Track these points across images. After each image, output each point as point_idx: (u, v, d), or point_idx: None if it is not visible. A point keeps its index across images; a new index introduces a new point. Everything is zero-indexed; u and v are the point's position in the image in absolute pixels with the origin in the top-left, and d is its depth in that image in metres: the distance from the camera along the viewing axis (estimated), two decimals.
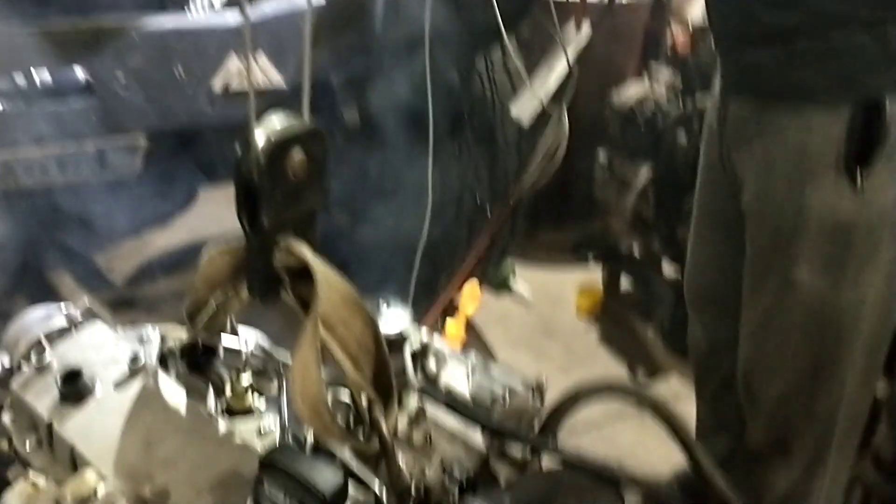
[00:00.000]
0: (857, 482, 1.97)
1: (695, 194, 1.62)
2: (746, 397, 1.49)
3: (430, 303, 1.67)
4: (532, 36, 1.78)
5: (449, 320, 1.19)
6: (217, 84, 1.65)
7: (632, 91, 2.41)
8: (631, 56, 2.62)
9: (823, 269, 1.31)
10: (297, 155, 0.79)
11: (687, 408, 1.94)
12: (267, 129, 0.78)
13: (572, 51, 1.55)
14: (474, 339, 2.50)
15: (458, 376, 1.02)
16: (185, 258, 2.26)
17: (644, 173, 2.37)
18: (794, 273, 1.33)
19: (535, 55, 1.75)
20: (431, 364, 1.03)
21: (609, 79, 2.50)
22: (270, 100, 1.59)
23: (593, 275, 2.76)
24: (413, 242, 1.65)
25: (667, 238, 2.38)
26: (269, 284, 0.83)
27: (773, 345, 1.41)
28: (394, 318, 1.18)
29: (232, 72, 1.61)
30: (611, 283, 2.69)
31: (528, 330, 2.60)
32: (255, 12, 1.65)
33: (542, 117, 1.65)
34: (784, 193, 1.31)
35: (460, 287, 1.67)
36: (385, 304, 1.19)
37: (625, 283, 2.71)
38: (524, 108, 1.58)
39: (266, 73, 1.62)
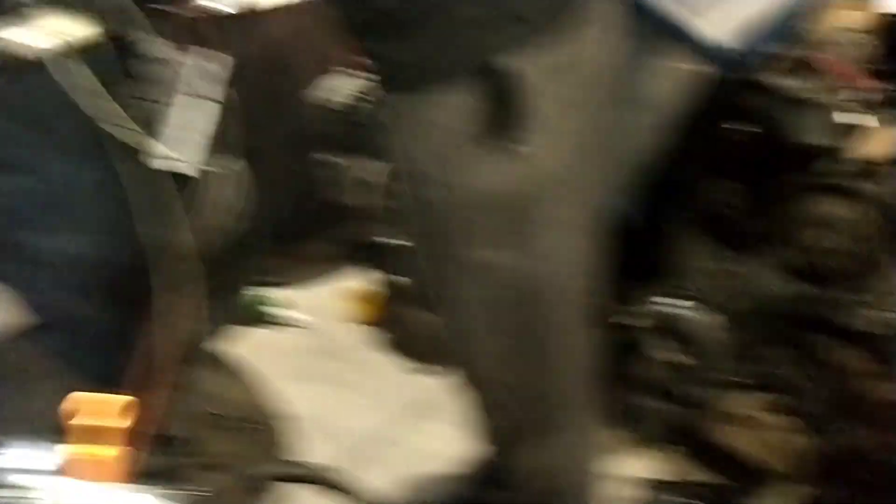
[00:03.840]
0: (642, 416, 2.00)
1: None
2: (471, 385, 1.45)
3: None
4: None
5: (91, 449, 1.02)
6: None
7: (345, 88, 2.32)
8: (326, 56, 2.51)
9: (506, 245, 1.25)
10: None
11: None
12: None
13: (217, 83, 1.40)
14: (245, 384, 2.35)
15: None
16: None
17: (382, 168, 2.29)
18: (480, 255, 1.27)
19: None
20: None
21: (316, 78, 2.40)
22: None
23: (369, 280, 2.66)
24: None
25: None
26: None
27: (480, 330, 1.35)
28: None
29: None
30: (383, 282, 2.59)
31: (308, 355, 2.47)
32: None
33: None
34: (444, 178, 1.24)
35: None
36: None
37: (400, 279, 2.62)
38: (178, 154, 1.42)
39: None
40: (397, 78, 1.23)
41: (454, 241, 1.28)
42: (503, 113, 1.16)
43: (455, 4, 1.14)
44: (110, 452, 0.95)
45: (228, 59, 1.38)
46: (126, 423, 0.98)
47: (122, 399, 1.01)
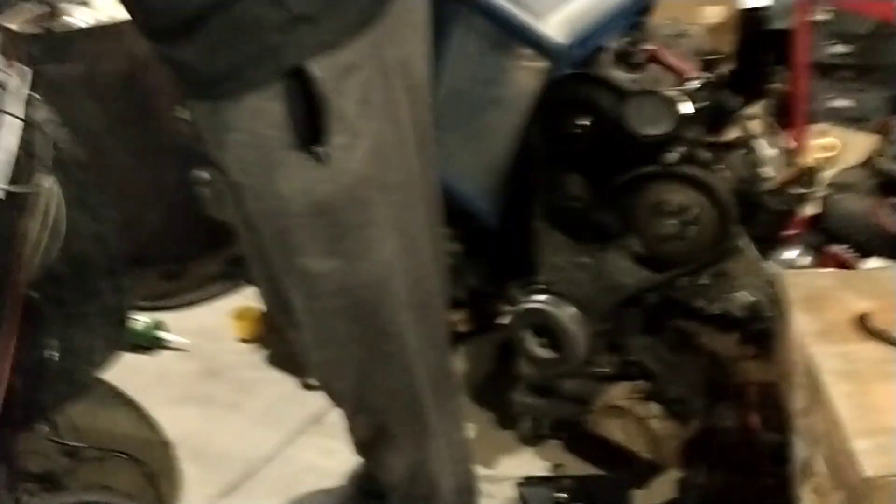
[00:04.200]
0: (522, 411, 2.00)
1: None
2: (330, 397, 1.42)
3: None
4: None
5: None
6: None
7: None
8: None
9: (327, 252, 1.23)
10: None
11: None
12: None
13: (13, 100, 1.34)
14: (127, 412, 2.28)
15: None
16: None
17: None
18: (304, 263, 1.24)
19: None
20: None
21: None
22: None
23: (249, 295, 2.61)
24: None
25: None
26: None
27: (323, 339, 1.33)
28: None
29: None
30: (260, 298, 2.54)
31: (190, 378, 2.41)
32: None
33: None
34: (261, 185, 1.21)
35: None
36: None
37: None
38: None
39: None
40: (198, 84, 1.19)
41: (287, 254, 1.26)
42: (307, 116, 1.14)
43: (252, 8, 1.11)
44: None
45: (28, 74, 1.32)
46: None
47: None
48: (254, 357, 2.45)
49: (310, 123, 1.14)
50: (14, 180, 1.38)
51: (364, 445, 1.49)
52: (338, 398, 1.42)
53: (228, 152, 1.22)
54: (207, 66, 1.16)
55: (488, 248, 1.95)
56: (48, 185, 1.43)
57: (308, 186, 1.18)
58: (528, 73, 1.70)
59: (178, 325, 2.56)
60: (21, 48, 1.34)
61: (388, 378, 1.36)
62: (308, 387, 2.32)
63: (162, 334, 2.50)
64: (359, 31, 1.14)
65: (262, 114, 1.15)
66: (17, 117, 1.34)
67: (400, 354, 1.34)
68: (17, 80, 1.36)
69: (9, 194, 1.37)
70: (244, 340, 2.50)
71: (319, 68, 1.13)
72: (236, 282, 2.66)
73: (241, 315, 2.52)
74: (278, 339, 2.48)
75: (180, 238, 2.65)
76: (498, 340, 2.26)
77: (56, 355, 1.66)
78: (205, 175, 2.37)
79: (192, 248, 2.71)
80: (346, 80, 1.15)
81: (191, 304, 2.68)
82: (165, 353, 2.50)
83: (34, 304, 1.57)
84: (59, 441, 1.88)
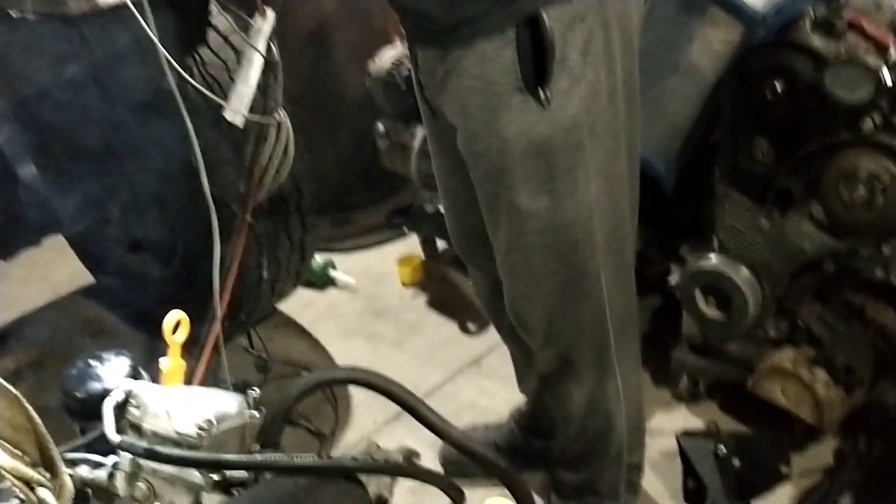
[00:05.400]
0: (681, 369, 2.06)
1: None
2: (520, 328, 1.51)
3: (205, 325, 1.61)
4: (230, 30, 1.71)
5: (162, 360, 1.14)
6: None
7: (386, 56, 2.39)
8: (379, 22, 2.59)
9: (538, 190, 1.33)
10: None
11: None
12: None
13: (262, 39, 1.49)
14: (299, 341, 2.47)
15: (161, 417, 0.98)
16: None
17: (419, 133, 2.36)
18: (515, 201, 1.34)
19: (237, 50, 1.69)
20: (135, 413, 0.99)
21: (363, 51, 2.48)
22: None
23: (413, 243, 2.75)
24: None
25: None
26: None
27: (523, 273, 1.43)
28: (109, 372, 1.14)
29: None
30: (426, 245, 2.68)
31: (357, 315, 2.58)
32: None
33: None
34: (482, 127, 1.32)
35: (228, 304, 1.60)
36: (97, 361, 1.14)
37: (441, 242, 2.70)
38: (235, 108, 1.52)
39: None
40: (431, 32, 1.30)
41: (500, 188, 1.36)
42: (536, 62, 1.23)
43: None
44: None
45: (272, 16, 1.46)
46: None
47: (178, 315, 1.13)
48: (416, 301, 2.60)
49: (534, 70, 1.24)
50: (253, 111, 1.53)
51: (547, 377, 1.57)
52: (529, 329, 1.51)
53: (451, 95, 1.33)
54: (445, 15, 1.27)
55: (655, 211, 2.00)
56: (281, 117, 1.58)
57: (529, 129, 1.28)
58: (722, 39, 1.73)
59: (347, 267, 2.74)
60: None
61: (579, 314, 1.44)
62: (467, 331, 2.45)
63: (333, 273, 2.68)
64: None
65: (492, 59, 1.26)
66: (262, 54, 1.48)
67: (593, 293, 1.42)
68: (262, 21, 1.50)
69: (249, 123, 1.53)
70: (406, 285, 2.65)
71: (551, 18, 1.22)
72: (398, 231, 2.81)
73: (404, 262, 2.67)
74: (438, 287, 2.63)
75: (350, 188, 2.82)
76: (658, 300, 2.33)
77: (266, 275, 1.83)
78: (382, 128, 2.53)
79: (359, 198, 2.87)
80: (573, 29, 1.24)
81: (357, 248, 2.84)
82: (334, 291, 2.68)
83: (249, 230, 1.74)
84: (255, 354, 2.07)
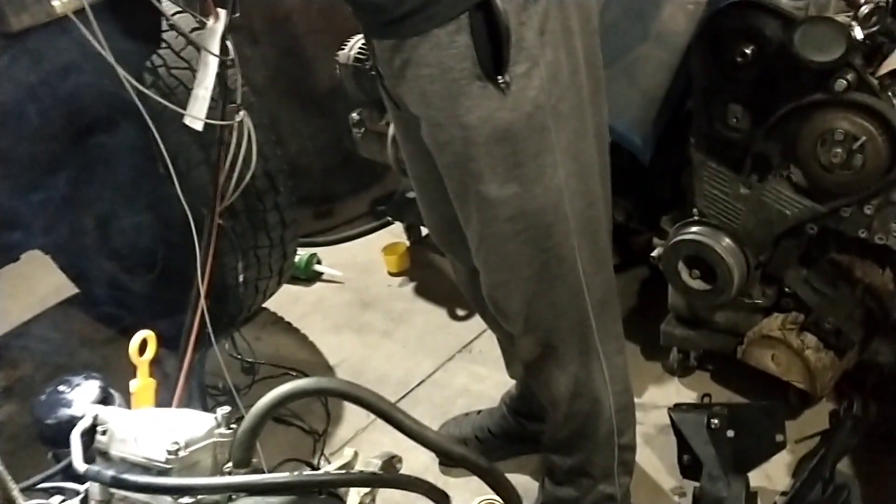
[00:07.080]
0: (671, 342, 2.04)
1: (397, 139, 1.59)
2: (500, 316, 1.49)
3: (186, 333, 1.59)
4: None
5: (132, 382, 1.12)
6: None
7: (354, 43, 2.35)
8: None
9: (506, 177, 1.30)
10: None
11: None
12: None
13: (215, 41, 1.46)
14: (288, 339, 2.45)
15: (129, 442, 0.96)
16: None
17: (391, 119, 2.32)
18: (483, 189, 1.31)
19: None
20: (102, 440, 0.97)
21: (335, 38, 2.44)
22: None
23: (397, 232, 2.73)
24: None
25: None
26: None
27: (497, 261, 1.40)
28: (78, 397, 1.12)
29: None
30: (411, 231, 2.66)
31: (345, 308, 2.56)
32: None
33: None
34: (444, 116, 1.28)
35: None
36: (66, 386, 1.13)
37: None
38: (195, 112, 1.48)
39: None
40: (384, 23, 1.26)
41: (468, 178, 1.32)
42: (492, 47, 1.20)
43: None
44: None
45: (224, 16, 1.43)
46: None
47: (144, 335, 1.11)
48: (403, 290, 2.58)
49: (491, 54, 1.21)
50: (211, 115, 1.50)
51: (530, 363, 1.56)
52: (508, 317, 1.48)
53: (410, 86, 1.30)
54: (396, 5, 1.23)
55: (634, 184, 1.97)
56: (241, 119, 1.55)
57: (490, 115, 1.25)
58: (687, 5, 1.70)
59: (332, 260, 2.72)
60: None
61: (557, 298, 1.42)
62: (456, 316, 2.43)
63: (319, 267, 2.66)
64: None
65: (447, 46, 1.22)
66: (215, 55, 1.45)
67: (570, 276, 1.39)
68: (215, 21, 1.46)
69: (207, 127, 1.50)
70: (393, 274, 2.63)
71: (503, 0, 1.19)
72: (382, 220, 2.79)
73: (389, 250, 2.64)
74: (425, 273, 2.61)
75: (331, 179, 2.79)
76: (646, 272, 2.31)
77: (242, 277, 1.81)
78: (356, 117, 2.49)
79: (341, 189, 2.84)
80: (527, 9, 1.21)
81: (342, 240, 2.82)
82: (321, 285, 2.67)
83: (222, 232, 1.71)
84: (240, 358, 2.06)
